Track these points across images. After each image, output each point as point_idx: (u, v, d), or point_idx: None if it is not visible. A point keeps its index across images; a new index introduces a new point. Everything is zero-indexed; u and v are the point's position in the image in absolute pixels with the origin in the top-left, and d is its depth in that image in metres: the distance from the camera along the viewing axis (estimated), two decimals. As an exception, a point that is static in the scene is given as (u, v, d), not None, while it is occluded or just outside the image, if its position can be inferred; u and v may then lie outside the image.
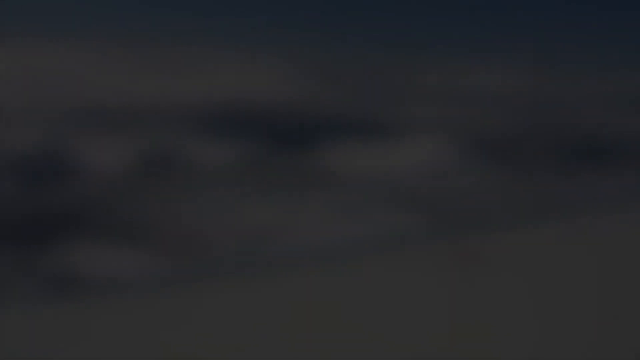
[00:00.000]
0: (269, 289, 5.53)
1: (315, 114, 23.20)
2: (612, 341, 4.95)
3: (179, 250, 14.16)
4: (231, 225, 15.65)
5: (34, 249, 14.13)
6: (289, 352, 4.47)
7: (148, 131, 21.19)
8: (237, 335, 4.90)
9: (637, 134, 21.54)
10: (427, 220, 14.24)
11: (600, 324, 5.17)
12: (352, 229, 13.50)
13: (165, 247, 14.59)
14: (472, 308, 5.25)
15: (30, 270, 13.06)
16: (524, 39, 28.48)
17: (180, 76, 24.26)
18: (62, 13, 27.51)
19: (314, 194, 18.09)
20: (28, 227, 15.38)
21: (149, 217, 16.42)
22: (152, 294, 5.56)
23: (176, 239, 15.04)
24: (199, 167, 19.91)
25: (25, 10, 26.68)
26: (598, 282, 5.98)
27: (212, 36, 28.03)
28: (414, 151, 20.80)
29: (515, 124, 22.25)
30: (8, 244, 14.15)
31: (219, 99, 23.93)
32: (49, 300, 5.47)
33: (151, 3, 28.26)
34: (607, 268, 6.29)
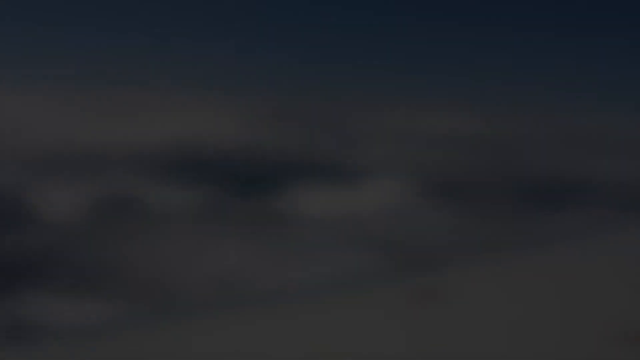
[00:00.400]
0: (229, 330, 5.48)
1: (275, 156, 23.24)
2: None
3: (138, 295, 13.99)
4: (191, 269, 15.53)
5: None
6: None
7: (106, 176, 21.08)
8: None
9: (591, 173, 21.90)
10: (387, 259, 14.27)
11: (559, 352, 5.24)
12: (312, 269, 13.48)
13: (124, 293, 14.41)
14: (434, 346, 5.24)
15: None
16: (484, 82, 28.86)
17: (138, 120, 24.20)
18: (18, 57, 27.35)
19: (274, 236, 18.05)
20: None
21: (106, 263, 16.24)
22: (109, 339, 5.48)
23: (135, 284, 14.87)
24: (158, 211, 19.78)
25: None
26: (554, 312, 6.06)
27: (170, 79, 28.04)
28: (374, 192, 20.89)
29: (474, 165, 22.52)
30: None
31: (178, 142, 23.86)
32: (4, 347, 5.35)
33: (110, 46, 28.21)
34: (563, 299, 6.39)
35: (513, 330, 5.61)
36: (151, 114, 25.16)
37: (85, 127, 23.86)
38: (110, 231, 18.45)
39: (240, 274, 14.28)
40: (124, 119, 24.93)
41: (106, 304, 13.71)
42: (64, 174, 21.26)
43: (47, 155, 22.39)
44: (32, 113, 24.41)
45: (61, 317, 12.96)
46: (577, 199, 19.78)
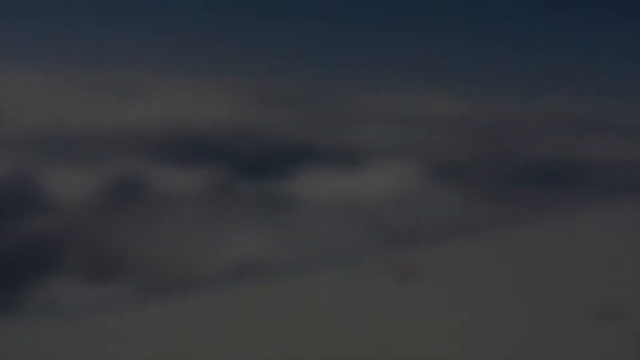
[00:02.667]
0: (227, 307, 5.82)
1: (277, 139, 23.52)
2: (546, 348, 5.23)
3: (143, 274, 14.40)
4: (194, 250, 15.91)
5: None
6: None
7: (110, 159, 21.43)
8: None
9: (585, 155, 22.15)
10: (380, 238, 14.60)
11: (538, 334, 5.43)
12: (306, 250, 13.85)
13: (130, 272, 14.82)
14: (410, 322, 5.55)
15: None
16: (475, 65, 28.95)
17: (142, 104, 24.50)
18: (15, 41, 27.45)
19: (276, 218, 18.39)
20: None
21: (113, 245, 16.63)
22: (116, 316, 5.80)
23: (140, 264, 15.26)
24: (163, 193, 20.13)
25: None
26: (536, 291, 6.25)
27: (173, 64, 28.22)
28: (374, 175, 21.19)
29: (468, 148, 22.80)
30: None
31: (182, 126, 24.15)
32: (19, 324, 5.71)
33: (111, 32, 28.33)
34: (547, 278, 6.58)
35: (489, 309, 5.85)
36: (155, 97, 25.53)
37: (88, 111, 24.26)
38: (117, 213, 18.88)
39: (240, 254, 14.70)
40: (128, 102, 25.31)
41: (113, 284, 14.12)
42: (71, 157, 21.69)
43: (53, 139, 22.80)
44: (36, 96, 24.78)
45: (71, 297, 13.40)
46: (569, 178, 20.07)
